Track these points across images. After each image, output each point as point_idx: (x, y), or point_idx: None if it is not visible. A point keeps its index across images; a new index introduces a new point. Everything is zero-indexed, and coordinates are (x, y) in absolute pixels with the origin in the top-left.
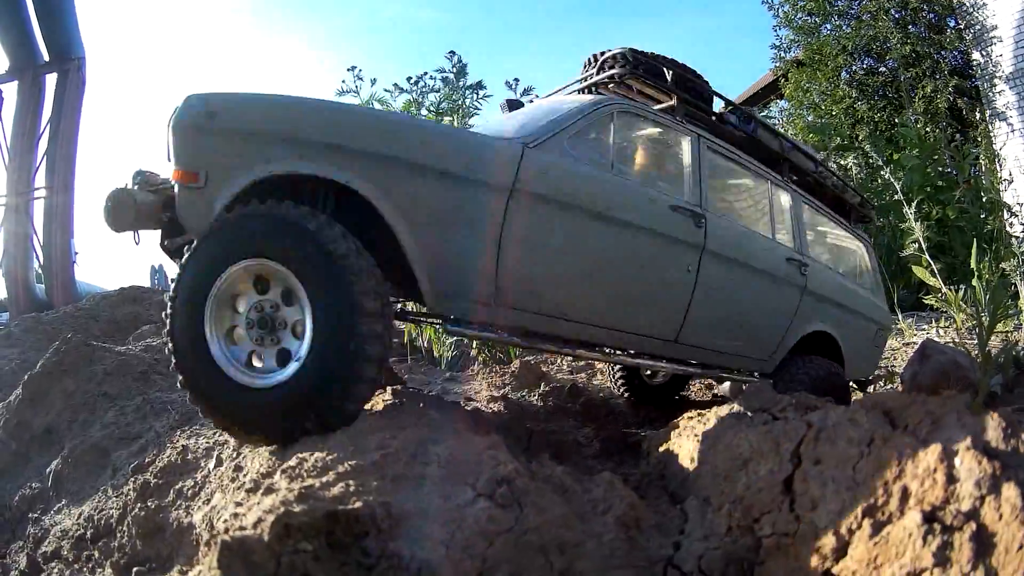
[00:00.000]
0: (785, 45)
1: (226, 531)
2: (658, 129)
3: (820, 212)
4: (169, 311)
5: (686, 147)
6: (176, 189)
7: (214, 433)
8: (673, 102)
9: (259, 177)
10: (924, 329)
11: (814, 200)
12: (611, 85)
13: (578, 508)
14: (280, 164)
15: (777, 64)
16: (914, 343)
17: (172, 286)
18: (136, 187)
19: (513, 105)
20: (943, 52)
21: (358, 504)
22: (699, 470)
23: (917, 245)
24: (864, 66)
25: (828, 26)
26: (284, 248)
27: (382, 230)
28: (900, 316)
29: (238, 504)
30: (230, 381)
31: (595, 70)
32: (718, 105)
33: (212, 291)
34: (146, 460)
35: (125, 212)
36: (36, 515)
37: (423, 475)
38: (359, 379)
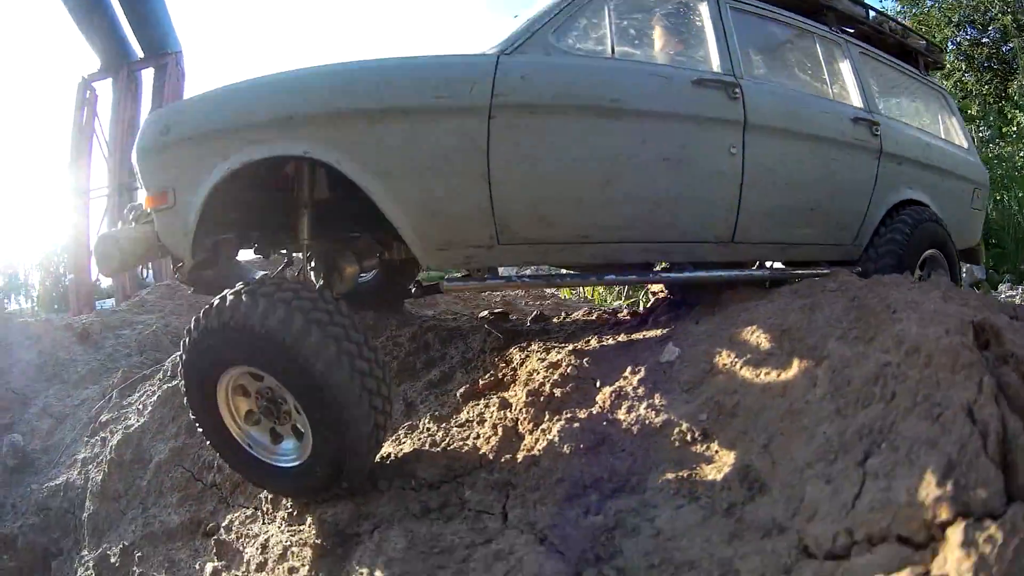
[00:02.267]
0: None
1: None
2: None
3: (883, 62)
4: (185, 400)
5: (703, 9)
6: (155, 216)
7: None
8: None
9: (220, 179)
10: None
11: (874, 50)
12: None
13: None
14: (236, 156)
15: None
16: None
17: (182, 359)
18: (132, 223)
19: None
20: None
21: None
22: None
23: None
24: (968, 37)
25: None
26: (264, 363)
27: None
28: None
29: None
30: (257, 460)
31: None
32: None
33: (218, 392)
34: None
35: (110, 259)
36: None
37: None
38: (358, 465)
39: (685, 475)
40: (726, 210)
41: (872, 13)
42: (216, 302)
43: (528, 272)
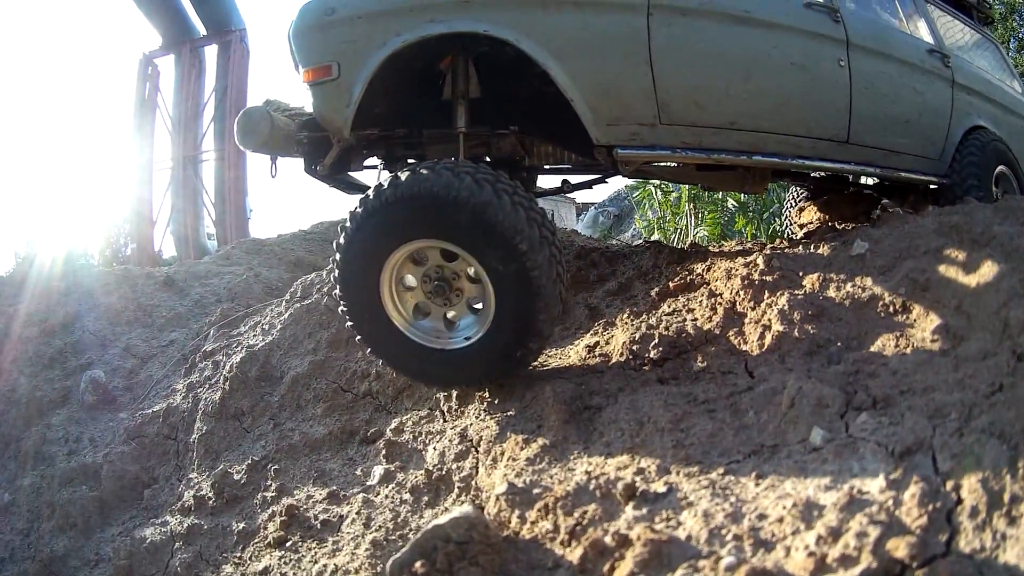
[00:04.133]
0: None
1: None
2: None
3: (946, 12)
4: (340, 291)
5: None
6: (311, 92)
7: None
8: None
9: (394, 50)
10: None
11: (939, 2)
12: None
13: None
14: (412, 32)
15: None
16: None
17: (336, 261)
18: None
19: None
20: None
21: None
22: None
23: None
24: None
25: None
26: (453, 230)
27: (535, 71)
28: None
29: None
30: (424, 349)
31: None
32: None
33: (382, 283)
34: None
35: (258, 132)
36: None
37: None
38: (550, 306)
39: (899, 334)
40: (841, 112)
41: None
42: (402, 175)
43: (687, 145)
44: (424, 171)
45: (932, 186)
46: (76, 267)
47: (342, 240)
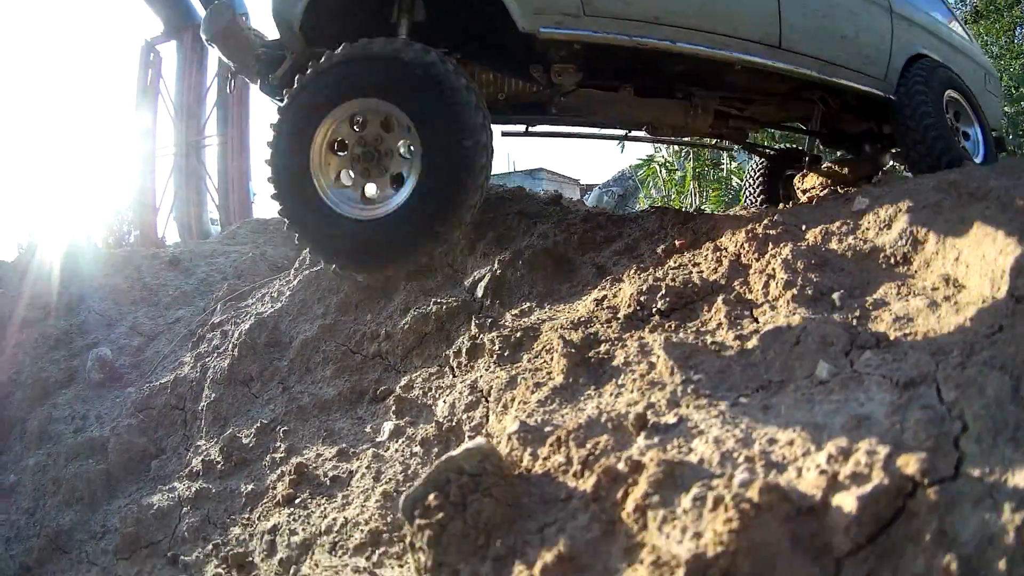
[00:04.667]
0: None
1: None
2: None
3: None
4: (271, 157)
5: None
6: None
7: None
8: None
9: None
10: None
11: None
12: None
13: None
14: None
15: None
16: None
17: (273, 133)
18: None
19: None
20: None
21: None
22: None
23: None
24: None
25: None
26: (396, 87)
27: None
28: None
29: None
30: (346, 219)
31: None
32: None
33: (318, 135)
34: None
35: (223, 18)
36: None
37: None
38: (474, 188)
39: (900, 283)
40: (769, 16)
41: None
42: (360, 41)
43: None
44: (383, 40)
45: (880, 100)
46: (78, 250)
47: (279, 113)
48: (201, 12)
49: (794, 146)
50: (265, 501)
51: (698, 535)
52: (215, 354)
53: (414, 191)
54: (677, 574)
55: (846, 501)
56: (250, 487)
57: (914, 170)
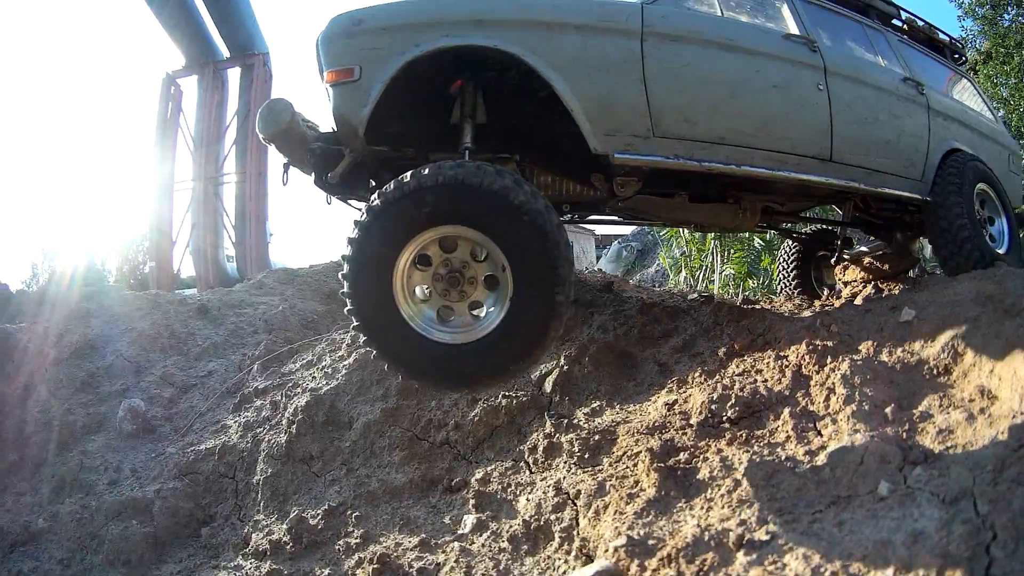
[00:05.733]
0: (971, 37)
1: None
2: None
3: (918, 49)
4: (348, 274)
5: (784, 6)
6: (332, 93)
7: None
8: None
9: (411, 58)
10: None
11: (912, 41)
12: None
13: None
14: (429, 43)
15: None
16: None
17: (349, 247)
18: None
19: None
20: None
21: None
22: None
23: None
24: None
25: (1007, 16)
26: (501, 228)
27: (537, 98)
28: None
29: None
30: (423, 339)
31: None
32: None
33: (403, 256)
34: None
35: (280, 119)
36: None
37: None
38: (556, 334)
39: (942, 395)
40: (822, 132)
41: (904, 13)
42: (428, 168)
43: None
44: (462, 164)
45: (914, 205)
46: (103, 288)
47: (357, 232)
48: (222, 49)
49: (825, 227)
50: None
51: None
52: (267, 426)
53: (498, 328)
54: None
55: None
56: (326, 572)
57: (945, 266)
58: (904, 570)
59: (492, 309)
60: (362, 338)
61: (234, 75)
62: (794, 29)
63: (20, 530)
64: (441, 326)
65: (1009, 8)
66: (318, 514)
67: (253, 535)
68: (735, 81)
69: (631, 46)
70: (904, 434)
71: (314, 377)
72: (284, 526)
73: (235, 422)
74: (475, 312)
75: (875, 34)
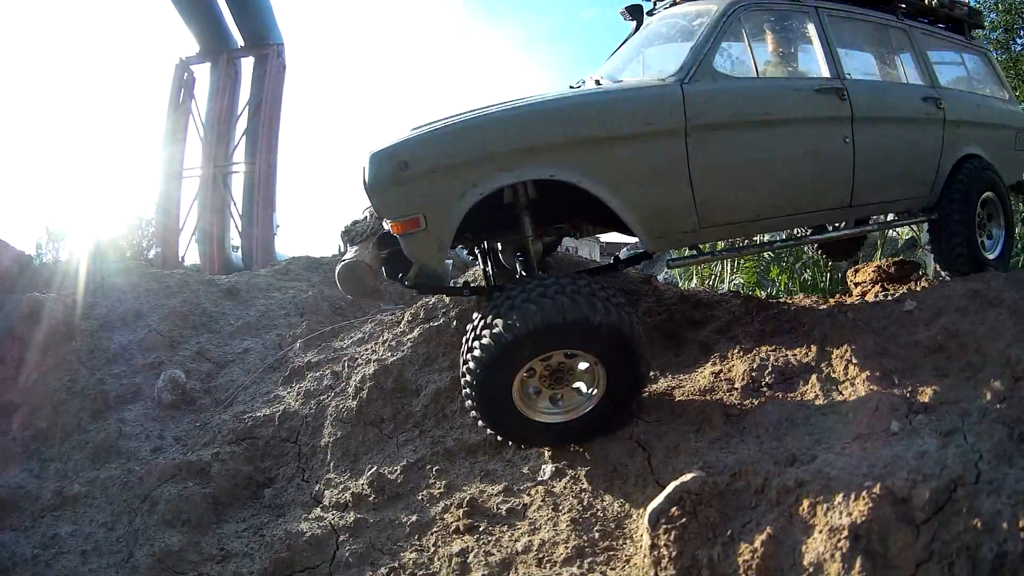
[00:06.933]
0: None
1: None
2: (779, 14)
3: (938, 37)
4: (470, 379)
5: (809, 25)
6: (402, 240)
7: None
8: None
9: (474, 203)
10: None
11: (931, 28)
12: None
13: None
14: (487, 183)
15: None
16: None
17: (467, 355)
18: (353, 249)
19: (634, 11)
20: None
21: None
22: None
23: None
24: None
25: (1020, 41)
26: (588, 345)
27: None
28: None
29: None
30: (535, 423)
31: None
32: None
33: (519, 372)
34: None
35: (364, 282)
36: None
37: None
38: (640, 397)
39: (938, 366)
40: (846, 185)
41: None
42: (514, 317)
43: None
44: (564, 299)
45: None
46: (129, 264)
47: (477, 358)
48: (237, 38)
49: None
50: (436, 530)
51: (850, 513)
52: (330, 393)
53: (598, 404)
54: (843, 534)
55: (921, 493)
56: (413, 518)
57: (943, 267)
58: (916, 471)
59: (591, 390)
60: (488, 431)
61: (247, 65)
62: (824, 67)
63: (52, 495)
64: (554, 407)
65: (1022, 32)
66: (396, 470)
67: (327, 492)
68: (772, 158)
69: (677, 148)
70: (908, 393)
71: (375, 350)
72: (363, 481)
73: (289, 392)
74: (578, 387)
75: (899, 36)
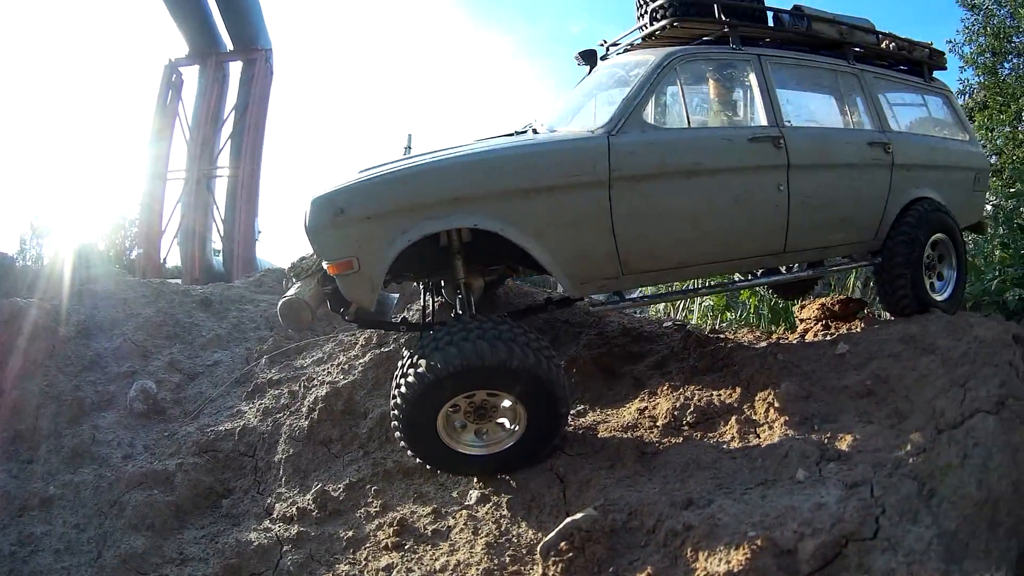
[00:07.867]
0: (970, 90)
1: None
2: (719, 63)
3: (892, 80)
4: (397, 413)
5: (750, 73)
6: (338, 280)
7: None
8: (726, 30)
9: (402, 249)
10: None
11: (885, 72)
12: (664, 31)
13: None
14: (416, 230)
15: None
16: None
17: (395, 390)
18: (293, 280)
19: (587, 56)
20: None
21: None
22: None
23: None
24: None
25: (1007, 65)
26: (507, 386)
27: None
28: None
29: None
30: (459, 454)
31: (647, 19)
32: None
33: (443, 408)
34: None
35: (301, 317)
36: None
37: None
38: (559, 435)
39: (863, 412)
40: (779, 232)
41: (882, 38)
42: (435, 358)
43: (648, 293)
44: (465, 342)
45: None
46: (108, 271)
47: (402, 395)
48: (227, 41)
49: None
50: (368, 545)
51: (728, 562)
52: (286, 412)
53: (520, 440)
54: None
55: (807, 546)
56: (350, 533)
57: (887, 309)
58: (806, 524)
59: (514, 426)
60: (418, 460)
61: (235, 68)
62: (761, 115)
63: (29, 496)
64: (478, 440)
65: (1010, 57)
66: (339, 487)
67: (277, 505)
68: (698, 208)
69: (600, 198)
70: (825, 440)
71: (330, 372)
72: (309, 496)
73: (251, 408)
74: (502, 423)
75: (849, 80)
